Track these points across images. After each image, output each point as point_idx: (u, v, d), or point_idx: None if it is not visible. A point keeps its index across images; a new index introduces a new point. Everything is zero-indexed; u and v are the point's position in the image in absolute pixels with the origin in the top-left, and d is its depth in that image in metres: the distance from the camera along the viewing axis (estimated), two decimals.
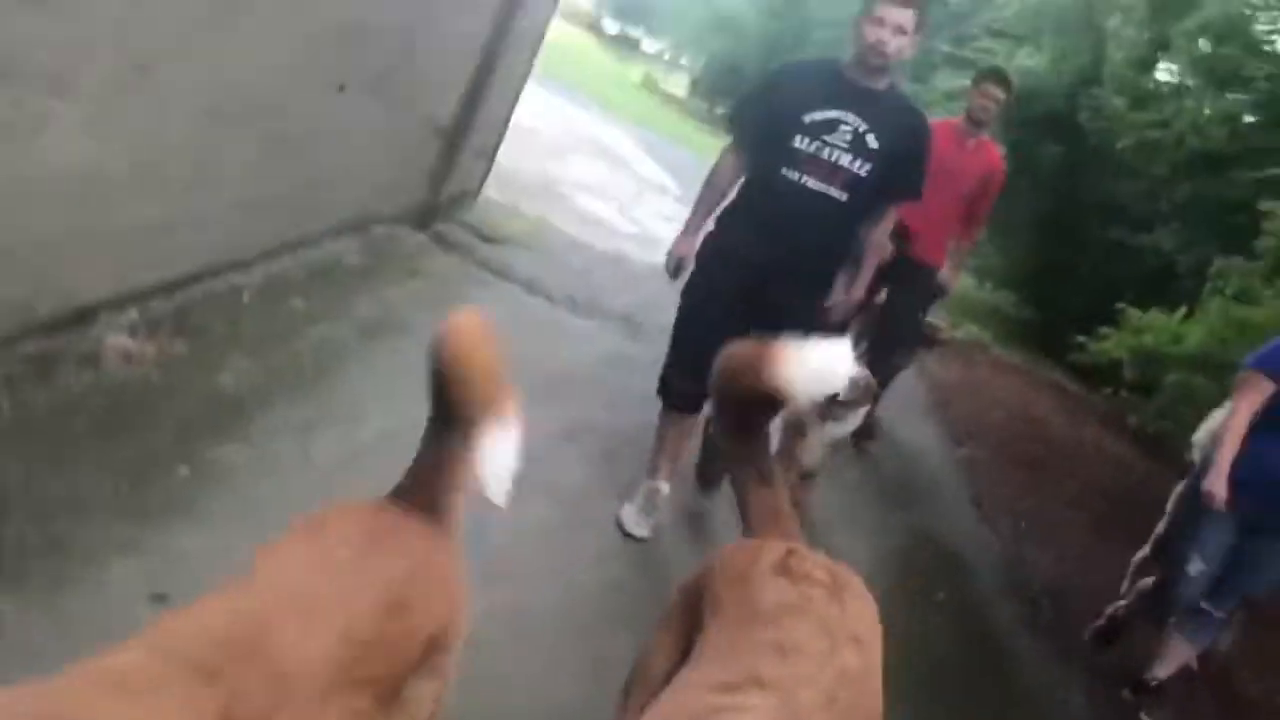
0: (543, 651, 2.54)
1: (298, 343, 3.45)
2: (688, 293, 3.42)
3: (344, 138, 4.00)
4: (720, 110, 27.43)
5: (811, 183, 3.12)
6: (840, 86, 3.15)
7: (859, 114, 3.11)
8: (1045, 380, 9.79)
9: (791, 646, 1.43)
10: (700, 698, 1.34)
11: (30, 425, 2.38)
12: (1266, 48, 9.76)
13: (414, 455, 1.50)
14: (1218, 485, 3.49)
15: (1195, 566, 3.70)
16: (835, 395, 3.18)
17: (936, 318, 5.59)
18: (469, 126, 5.44)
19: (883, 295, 5.01)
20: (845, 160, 3.11)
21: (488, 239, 5.81)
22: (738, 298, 3.23)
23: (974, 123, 4.90)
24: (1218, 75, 9.86)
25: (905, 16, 3.03)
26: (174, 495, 2.42)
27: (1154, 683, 3.86)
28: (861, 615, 1.60)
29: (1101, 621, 4.36)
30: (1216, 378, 6.35)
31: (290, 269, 3.91)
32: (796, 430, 3.51)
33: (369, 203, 4.63)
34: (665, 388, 3.48)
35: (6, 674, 0.93)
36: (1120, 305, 7.39)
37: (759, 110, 3.30)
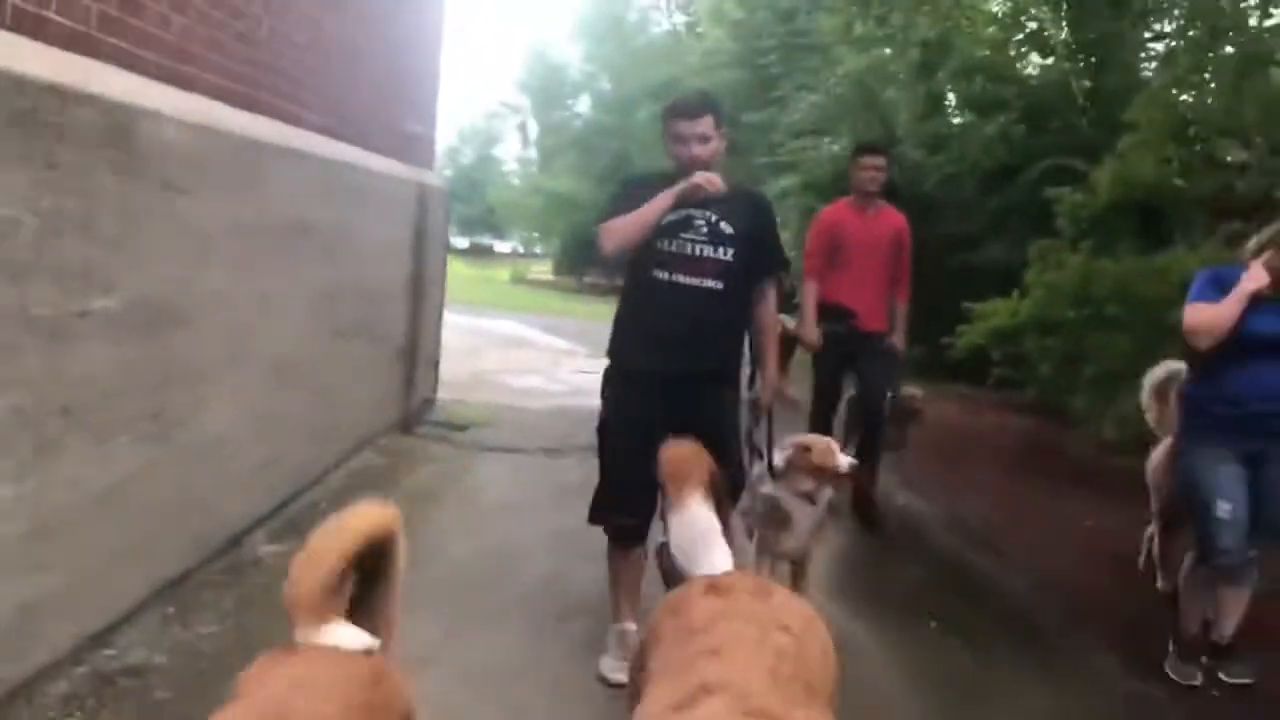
0: None
1: None
2: (605, 425, 3.50)
3: (346, 372, 5.28)
4: (588, 279, 29.52)
5: (683, 279, 3.23)
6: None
7: (708, 207, 3.25)
8: (941, 394, 11.26)
9: (724, 645, 1.54)
10: None
11: (233, 608, 3.52)
12: (1009, 75, 11.88)
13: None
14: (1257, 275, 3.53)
15: (1222, 508, 3.63)
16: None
17: (908, 388, 5.82)
18: (417, 344, 6.78)
19: (849, 384, 5.47)
20: (709, 250, 3.25)
21: (457, 428, 7.04)
22: (653, 414, 3.18)
23: (865, 195, 5.27)
24: (983, 106, 11.88)
25: (703, 125, 3.24)
26: None
27: (1225, 642, 3.80)
28: (787, 608, 1.73)
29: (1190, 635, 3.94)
30: (1055, 334, 7.89)
31: (342, 478, 5.14)
32: (777, 521, 3.69)
33: (370, 421, 5.87)
34: (604, 521, 3.52)
35: None
36: (967, 305, 8.91)
37: (616, 212, 3.33)
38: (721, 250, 3.27)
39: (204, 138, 3.41)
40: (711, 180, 3.15)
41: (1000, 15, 13.05)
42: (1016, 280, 8.94)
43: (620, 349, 3.46)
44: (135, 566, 3.22)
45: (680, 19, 30.50)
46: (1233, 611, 3.79)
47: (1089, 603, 4.62)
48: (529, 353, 12.18)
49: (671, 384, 3.26)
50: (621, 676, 3.23)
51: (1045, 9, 12.11)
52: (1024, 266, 8.94)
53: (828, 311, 5.31)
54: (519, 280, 30.51)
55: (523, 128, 33.95)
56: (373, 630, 1.60)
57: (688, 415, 3.06)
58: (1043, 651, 4.02)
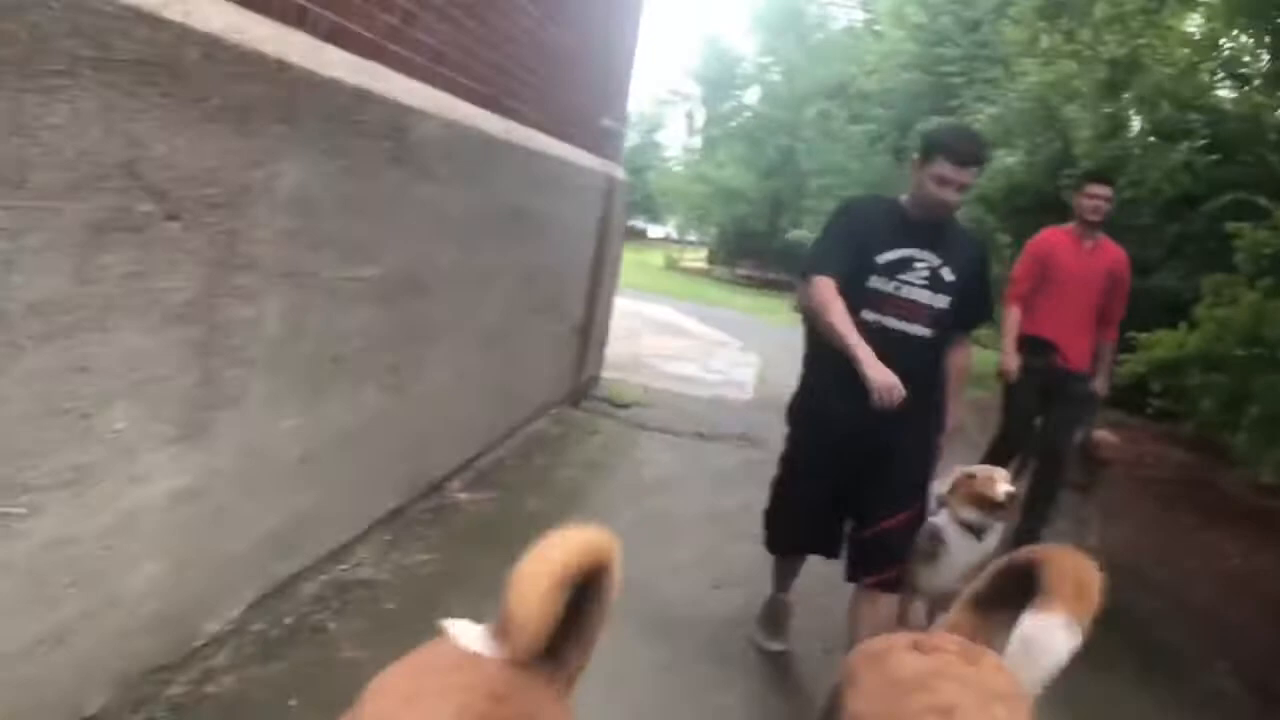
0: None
1: (554, 478, 5.19)
2: (789, 462, 3.47)
3: (533, 346, 5.81)
4: (741, 270, 29.82)
5: (892, 323, 3.11)
6: (907, 224, 3.15)
7: (932, 249, 3.12)
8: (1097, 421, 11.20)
9: (946, 706, 1.55)
10: None
11: (439, 543, 4.06)
12: (1199, 102, 11.64)
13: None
14: None
15: None
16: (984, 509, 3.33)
17: (1102, 432, 5.25)
18: (591, 325, 7.29)
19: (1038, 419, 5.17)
20: (925, 297, 3.11)
21: (619, 405, 7.54)
22: (843, 459, 3.22)
23: (1088, 225, 5.00)
24: (1168, 132, 11.69)
25: (969, 175, 3.04)
26: None
27: None
28: (999, 676, 1.70)
29: None
30: (1222, 371, 7.85)
31: (523, 440, 5.68)
32: (927, 553, 3.42)
33: (548, 391, 6.41)
34: (780, 550, 3.63)
35: None
36: (1131, 334, 8.91)
37: (841, 245, 3.18)
38: (938, 297, 3.13)
39: (453, 132, 3.94)
40: (895, 396, 2.88)
41: (1198, 37, 12.76)
42: (1185, 312, 8.85)
43: (814, 390, 3.35)
44: (366, 497, 3.79)
45: (860, 16, 30.45)
46: None
47: (1228, 637, 4.74)
48: (684, 340, 12.63)
49: (868, 432, 3.08)
50: (776, 646, 3.65)
51: (1245, 36, 11.84)
52: (1195, 299, 8.85)
53: (1028, 343, 5.05)
54: (672, 267, 31.06)
55: (690, 116, 34.36)
56: (565, 650, 1.55)
57: (878, 462, 3.14)
58: (1175, 681, 4.17)
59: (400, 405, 3.90)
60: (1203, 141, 10.90)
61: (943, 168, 3.03)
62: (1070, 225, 5.12)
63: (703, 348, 12.23)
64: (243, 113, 2.51)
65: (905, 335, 3.11)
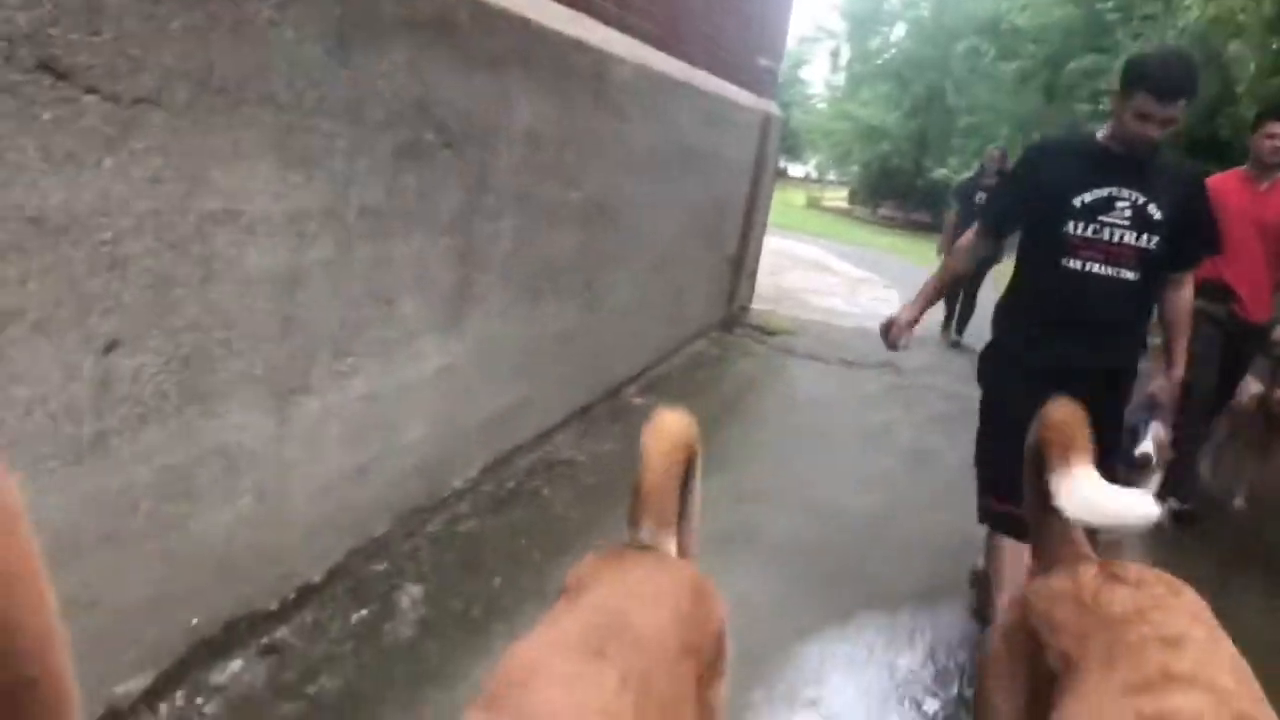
0: None
1: (716, 392, 5.76)
2: (987, 413, 3.28)
3: (695, 273, 6.36)
4: (883, 211, 29.67)
5: (1097, 268, 2.95)
6: (1107, 161, 2.98)
7: (1134, 186, 2.94)
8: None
9: (1176, 637, 1.48)
10: (1118, 704, 1.38)
11: (620, 436, 4.67)
12: None
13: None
14: None
15: None
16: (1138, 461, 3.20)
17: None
18: (744, 256, 7.79)
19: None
20: (1130, 238, 2.94)
21: (768, 333, 8.04)
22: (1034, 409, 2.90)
23: (1263, 166, 4.64)
24: None
25: (1173, 109, 2.82)
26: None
27: None
28: (1204, 608, 1.64)
29: None
30: None
31: (685, 358, 6.27)
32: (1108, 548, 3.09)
33: (705, 315, 6.97)
34: (985, 514, 3.26)
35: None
36: None
37: (1018, 196, 3.12)
38: (1145, 238, 2.93)
39: (640, 75, 4.47)
40: (891, 337, 3.23)
41: None
42: None
43: (1011, 338, 3.18)
44: (565, 393, 4.43)
45: None
46: None
47: None
48: (828, 277, 12.99)
49: (1068, 380, 2.71)
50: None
51: None
52: None
53: (1205, 289, 4.44)
54: (814, 205, 31.11)
55: (835, 53, 34.01)
56: (678, 538, 1.74)
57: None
58: None
59: (592, 318, 4.51)
60: None
61: (1145, 102, 2.80)
62: (1243, 169, 4.74)
63: (846, 284, 12.58)
64: (494, 62, 3.09)
65: (1113, 280, 2.94)
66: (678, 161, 5.31)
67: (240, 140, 2.07)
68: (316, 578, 2.74)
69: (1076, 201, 2.94)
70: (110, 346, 1.85)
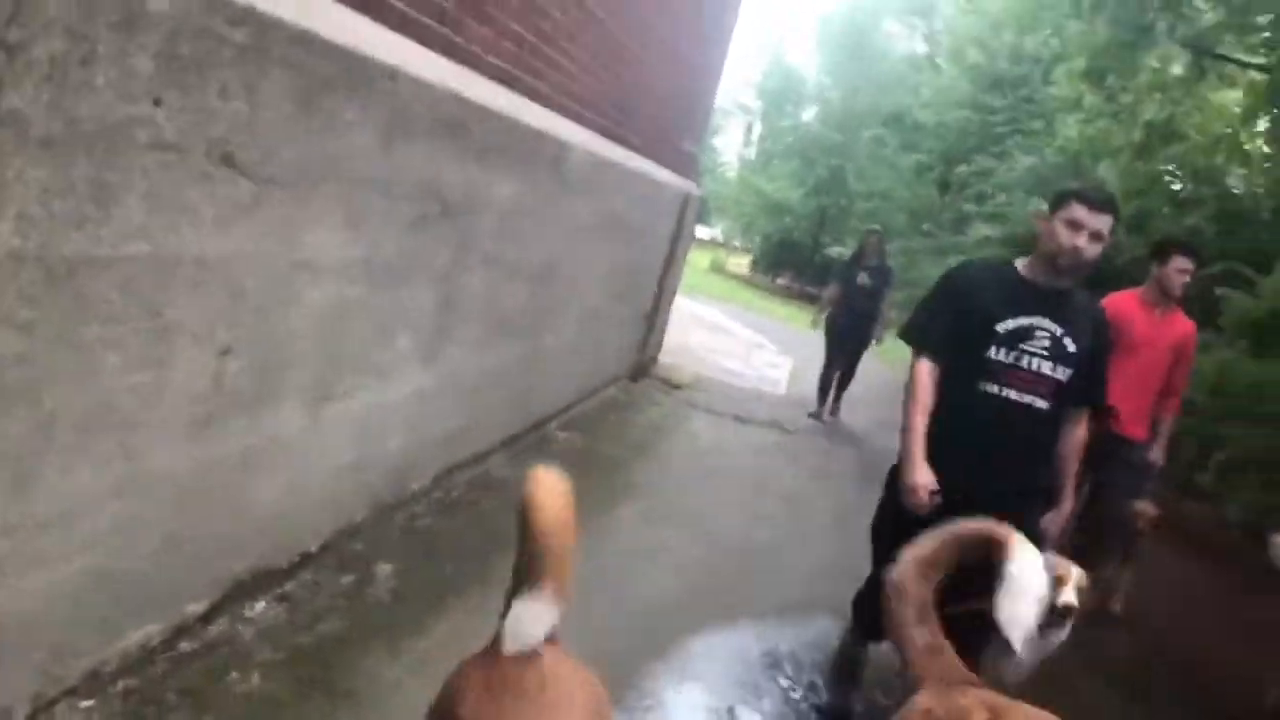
0: None
1: (625, 432, 6.59)
2: (887, 520, 3.34)
3: (614, 327, 7.19)
4: (781, 280, 31.13)
5: (1013, 394, 3.06)
6: (1028, 291, 3.12)
7: (1053, 318, 3.07)
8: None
9: None
10: None
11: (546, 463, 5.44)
12: (1214, 177, 12.86)
13: None
14: None
15: None
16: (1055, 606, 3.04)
17: (1141, 503, 5.27)
18: (656, 316, 8.67)
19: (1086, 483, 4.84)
20: (1046, 368, 3.06)
21: (673, 386, 8.91)
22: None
23: (1167, 296, 4.89)
24: (1183, 201, 12.91)
25: (1104, 222, 2.99)
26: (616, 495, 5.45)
27: None
28: None
29: None
30: (1192, 417, 9.09)
31: (599, 401, 7.08)
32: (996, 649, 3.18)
33: (618, 365, 7.80)
34: (861, 615, 3.51)
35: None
36: None
37: (944, 320, 3.21)
38: (1060, 369, 3.07)
39: (588, 159, 5.31)
40: (918, 500, 3.06)
41: (1237, 110, 13.73)
42: None
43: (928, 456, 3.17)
44: (500, 422, 5.18)
45: (922, 48, 31.63)
46: None
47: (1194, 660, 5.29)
48: (728, 339, 14.01)
49: (979, 501, 2.69)
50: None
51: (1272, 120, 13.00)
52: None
53: None
54: (717, 270, 32.40)
55: (749, 128, 35.66)
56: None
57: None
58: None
59: (529, 360, 5.29)
60: (1210, 214, 12.11)
61: (1076, 210, 2.99)
62: (1141, 292, 4.99)
63: (744, 346, 13.60)
64: (485, 152, 3.90)
65: (1026, 408, 3.06)
66: (610, 231, 6.17)
67: (321, 209, 2.83)
68: (314, 548, 3.44)
69: (1000, 328, 3.06)
70: (225, 351, 2.58)
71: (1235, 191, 12.39)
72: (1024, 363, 3.05)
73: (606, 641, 3.23)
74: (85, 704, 2.38)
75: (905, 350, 3.47)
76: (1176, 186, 14.32)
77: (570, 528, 1.63)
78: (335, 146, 2.83)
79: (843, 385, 9.62)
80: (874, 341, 9.47)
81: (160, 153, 2.15)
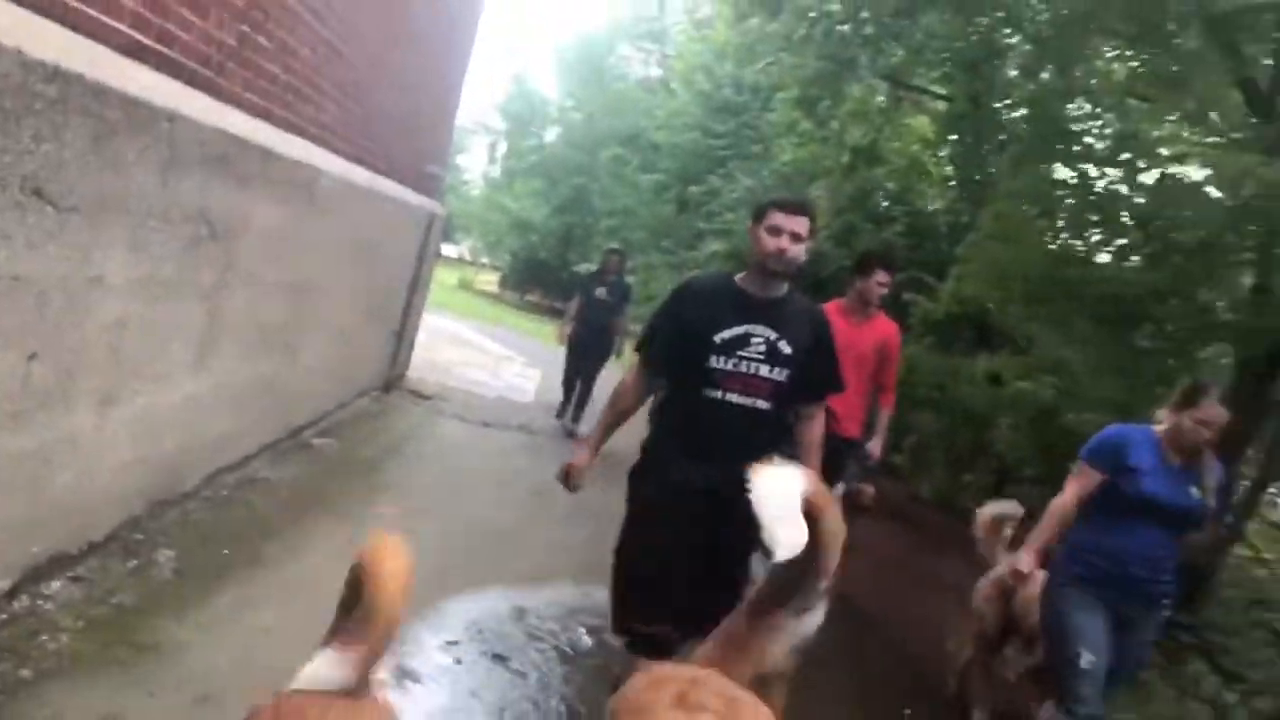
0: None
1: (378, 438, 7.13)
2: (631, 534, 3.54)
3: (366, 341, 7.71)
4: (530, 297, 31.99)
5: (734, 398, 3.29)
6: (744, 301, 3.36)
7: (767, 325, 3.31)
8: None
9: None
10: None
11: (304, 465, 5.93)
12: (904, 196, 14.69)
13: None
14: (1024, 559, 3.88)
15: (1086, 659, 3.74)
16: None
17: (861, 484, 5.82)
18: (404, 330, 9.22)
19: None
20: (764, 370, 3.29)
21: (423, 396, 9.48)
22: (683, 526, 3.31)
23: (866, 305, 5.29)
24: (879, 218, 14.70)
25: (801, 224, 3.27)
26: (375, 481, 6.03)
27: None
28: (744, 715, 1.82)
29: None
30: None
31: (354, 410, 7.58)
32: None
33: (371, 377, 8.30)
34: (626, 630, 3.53)
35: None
36: None
37: (669, 334, 3.44)
38: (776, 371, 3.32)
39: (338, 183, 5.87)
40: (570, 479, 3.60)
41: (929, 135, 15.60)
42: None
43: (658, 460, 3.47)
44: (263, 428, 5.63)
45: (656, 72, 33.39)
46: None
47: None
48: (475, 353, 14.63)
49: (709, 500, 3.22)
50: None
51: (951, 145, 14.99)
52: None
53: None
54: (465, 287, 32.85)
55: (493, 146, 36.38)
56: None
57: (718, 530, 3.26)
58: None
59: (287, 371, 5.78)
60: (901, 229, 13.88)
61: (774, 217, 3.27)
62: (844, 302, 5.38)
63: (492, 360, 14.27)
64: (246, 180, 4.42)
65: (748, 409, 3.31)
66: (360, 251, 6.72)
67: (111, 234, 3.32)
68: (99, 537, 3.86)
69: (718, 338, 3.30)
70: (32, 356, 3.03)
71: (922, 209, 14.14)
72: (743, 368, 3.28)
73: None
74: None
75: None
76: (883, 204, 16.23)
77: (399, 601, 1.70)
78: (122, 180, 3.33)
79: (584, 397, 9.98)
80: (614, 355, 10.11)
81: None
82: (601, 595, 4.54)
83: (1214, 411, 3.79)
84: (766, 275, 3.35)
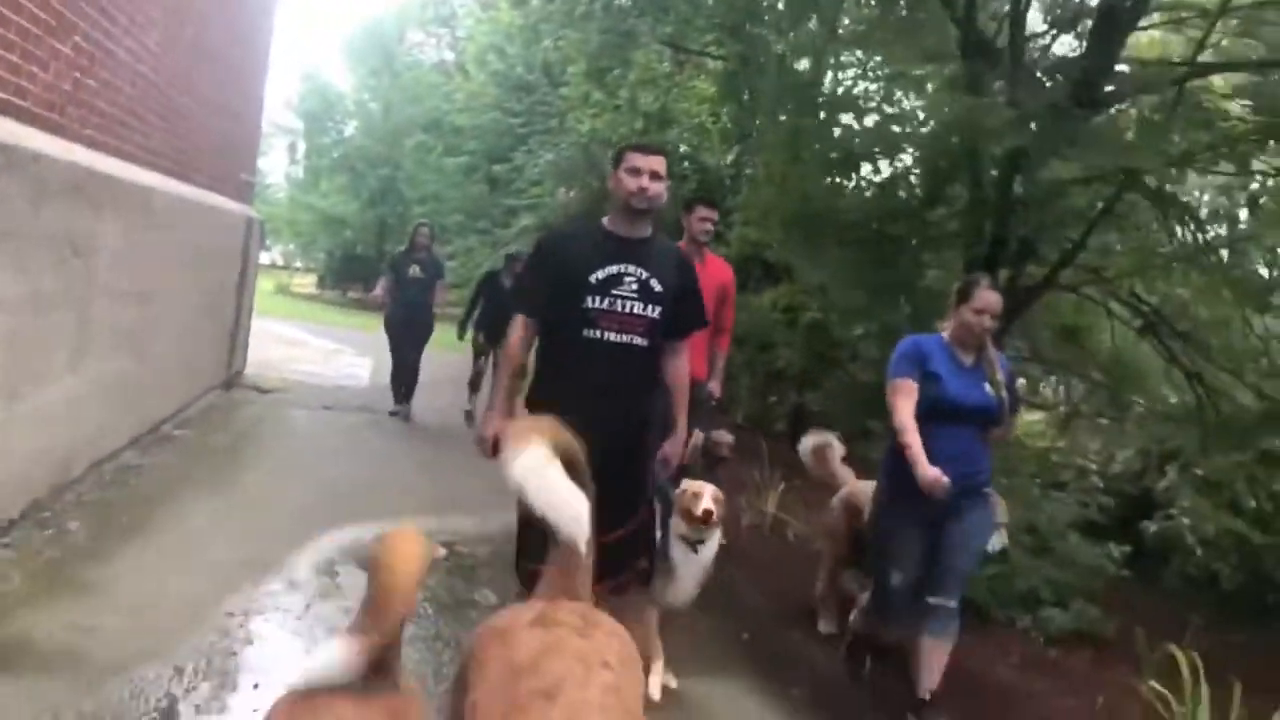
0: None
1: (229, 427, 7.95)
2: None
3: (205, 341, 8.45)
4: (352, 294, 32.23)
5: (612, 336, 3.43)
6: (613, 242, 3.50)
7: (638, 264, 3.45)
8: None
9: (552, 689, 1.70)
10: None
11: (171, 453, 6.73)
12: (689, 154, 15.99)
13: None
14: (930, 473, 3.75)
15: (895, 578, 4.03)
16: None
17: (719, 432, 6.03)
18: (238, 330, 9.94)
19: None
20: (638, 308, 3.44)
21: (264, 390, 10.22)
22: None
23: (697, 244, 5.38)
24: (675, 174, 16.01)
25: (657, 162, 3.43)
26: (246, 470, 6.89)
27: (928, 696, 4.01)
28: (610, 645, 1.92)
29: (846, 646, 4.76)
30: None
31: (201, 407, 8.35)
32: (662, 570, 3.85)
33: (212, 375, 9.03)
34: (523, 575, 3.55)
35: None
36: None
37: (541, 281, 3.55)
38: (650, 308, 3.47)
39: (169, 199, 6.64)
40: (484, 448, 3.50)
41: (712, 95, 16.78)
42: None
43: (543, 402, 3.48)
44: (128, 421, 6.40)
45: (449, 55, 33.91)
46: (933, 666, 4.03)
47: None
48: (305, 350, 15.28)
49: (595, 438, 3.03)
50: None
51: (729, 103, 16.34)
52: None
53: None
54: (283, 291, 32.74)
55: (292, 146, 36.19)
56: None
57: (608, 468, 3.20)
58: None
59: (142, 369, 6.55)
60: (694, 185, 15.19)
61: (632, 159, 3.44)
62: (681, 245, 5.30)
63: (322, 354, 14.95)
64: (99, 206, 5.22)
65: (625, 347, 3.46)
66: (192, 258, 7.50)
67: (3, 260, 4.14)
68: (15, 515, 4.66)
69: (592, 278, 3.44)
70: None
71: (711, 165, 15.46)
72: (618, 306, 3.43)
73: (254, 552, 4.82)
74: None
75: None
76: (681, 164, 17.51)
77: (413, 590, 1.74)
78: (7, 212, 4.15)
79: (412, 378, 10.09)
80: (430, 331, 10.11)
81: None
82: (457, 522, 5.63)
83: (989, 297, 4.03)
84: (632, 215, 3.50)
